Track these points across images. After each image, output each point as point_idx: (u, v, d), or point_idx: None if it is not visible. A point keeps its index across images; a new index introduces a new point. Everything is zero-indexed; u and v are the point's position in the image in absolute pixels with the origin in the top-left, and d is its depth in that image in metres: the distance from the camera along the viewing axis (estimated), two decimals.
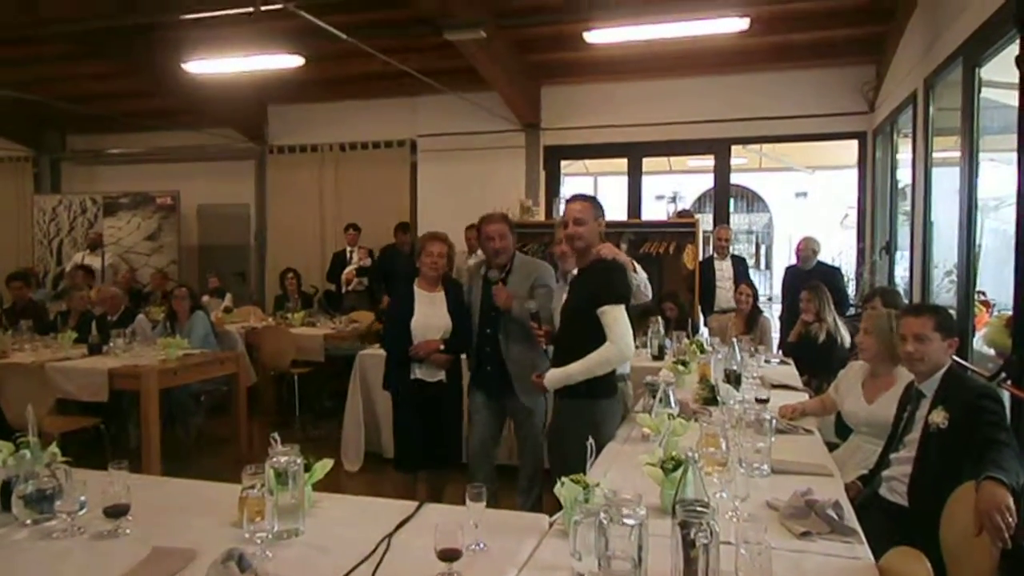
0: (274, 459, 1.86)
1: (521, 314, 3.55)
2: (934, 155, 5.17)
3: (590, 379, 2.90)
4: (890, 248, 6.76)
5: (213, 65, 6.85)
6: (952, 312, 3.91)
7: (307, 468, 1.99)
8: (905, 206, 6.36)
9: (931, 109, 5.13)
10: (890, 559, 1.71)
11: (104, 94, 9.08)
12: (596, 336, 2.86)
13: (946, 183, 5.00)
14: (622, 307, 2.89)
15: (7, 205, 10.88)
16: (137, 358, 4.94)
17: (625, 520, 1.48)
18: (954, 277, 4.84)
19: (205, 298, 7.52)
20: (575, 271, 3.17)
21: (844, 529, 1.92)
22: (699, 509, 1.49)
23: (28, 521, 1.91)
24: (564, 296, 3.21)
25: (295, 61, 6.78)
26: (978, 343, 4.29)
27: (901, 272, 6.44)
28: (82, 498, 1.88)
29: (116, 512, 1.87)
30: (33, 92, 8.52)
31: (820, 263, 6.65)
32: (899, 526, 2.39)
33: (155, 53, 7.34)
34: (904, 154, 6.35)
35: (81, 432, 4.85)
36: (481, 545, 1.77)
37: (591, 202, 3.04)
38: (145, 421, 4.64)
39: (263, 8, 5.27)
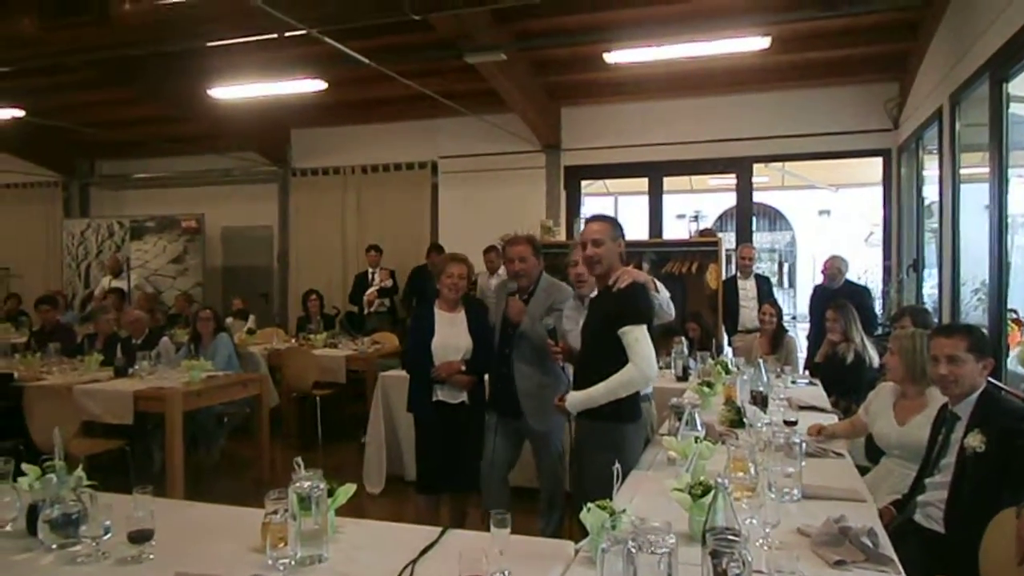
0: (297, 484, 1.85)
1: (532, 333, 3.53)
2: (961, 171, 5.10)
3: (615, 402, 2.84)
4: (917, 266, 6.65)
5: (237, 91, 6.97)
6: (984, 331, 3.83)
7: (330, 493, 1.98)
8: (932, 223, 6.27)
9: (957, 125, 5.07)
10: None
11: (131, 120, 9.27)
12: (618, 357, 2.79)
13: (974, 199, 4.92)
14: (644, 327, 2.82)
15: (38, 229, 11.12)
16: (162, 380, 4.97)
17: (654, 549, 1.45)
18: (982, 295, 4.75)
19: (229, 320, 7.58)
20: (594, 292, 3.14)
21: (880, 558, 1.86)
22: (730, 538, 1.46)
23: (54, 546, 1.91)
24: (581, 319, 3.18)
25: (318, 85, 6.89)
26: (1012, 363, 4.19)
27: (929, 290, 6.34)
28: (107, 523, 1.87)
29: (140, 537, 1.87)
30: (63, 119, 8.73)
31: (848, 282, 6.55)
32: (936, 554, 2.32)
33: (181, 79, 7.49)
34: (930, 171, 6.27)
35: (106, 454, 4.88)
36: (506, 574, 1.74)
37: (609, 222, 3.00)
38: (169, 443, 4.66)
39: (287, 34, 5.36)
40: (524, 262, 3.64)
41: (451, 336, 3.73)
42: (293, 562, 1.77)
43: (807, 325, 7.12)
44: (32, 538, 1.95)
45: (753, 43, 5.75)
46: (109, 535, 1.88)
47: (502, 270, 7.60)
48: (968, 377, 2.51)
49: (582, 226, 8.13)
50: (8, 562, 1.88)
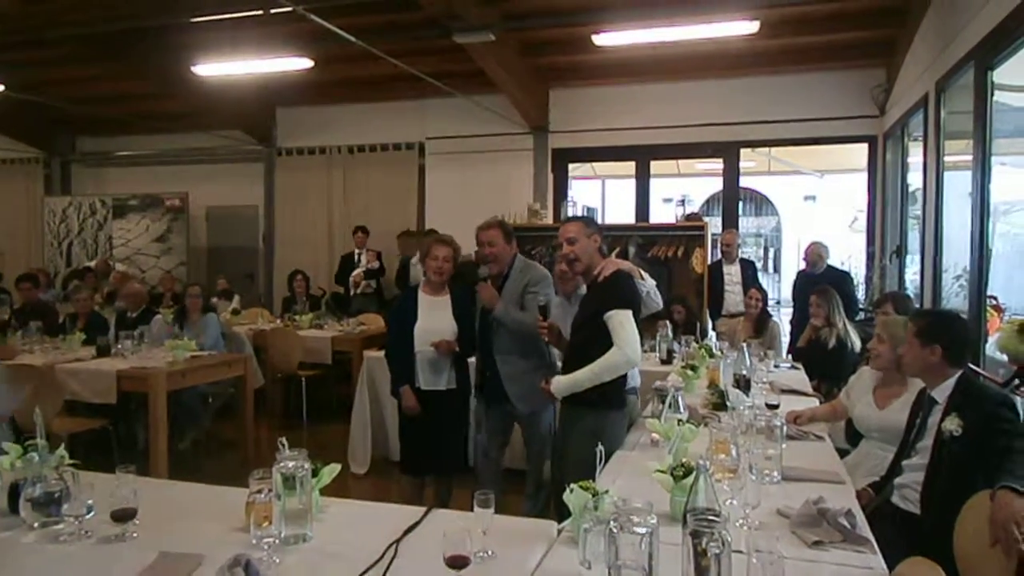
0: (282, 464, 1.85)
1: (507, 318, 3.54)
2: (945, 159, 5.13)
3: (600, 388, 2.88)
4: (900, 252, 6.71)
5: (222, 67, 6.88)
6: (964, 316, 3.88)
7: (315, 473, 1.98)
8: (915, 210, 6.32)
9: (942, 112, 5.10)
10: (905, 569, 1.69)
11: (113, 96, 9.13)
12: (605, 345, 2.85)
13: (957, 187, 4.96)
14: (629, 312, 2.88)
15: (18, 206, 10.96)
16: (145, 360, 4.94)
17: (635, 529, 1.46)
18: (964, 282, 4.81)
19: (214, 300, 7.53)
20: (583, 290, 3.19)
21: (857, 538, 1.90)
22: (710, 518, 1.47)
23: (36, 524, 1.91)
24: (566, 316, 3.22)
25: (304, 63, 6.80)
26: (990, 349, 4.25)
27: (911, 276, 6.40)
28: (89, 501, 1.87)
29: (123, 516, 1.87)
30: (43, 94, 8.59)
31: (830, 267, 6.61)
32: (912, 535, 2.37)
33: (164, 56, 7.38)
34: (915, 157, 6.31)
35: (89, 433, 4.85)
36: (489, 552, 1.76)
37: (582, 221, 3.17)
38: (153, 423, 4.65)
39: (272, 11, 5.29)
40: (493, 246, 3.63)
41: (435, 320, 3.71)
42: (277, 541, 1.78)
43: (791, 310, 7.18)
44: (14, 516, 1.95)
45: (741, 27, 5.74)
46: (92, 514, 1.87)
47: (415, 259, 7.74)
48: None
49: (571, 209, 8.19)
50: None
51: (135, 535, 1.87)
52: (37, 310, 6.39)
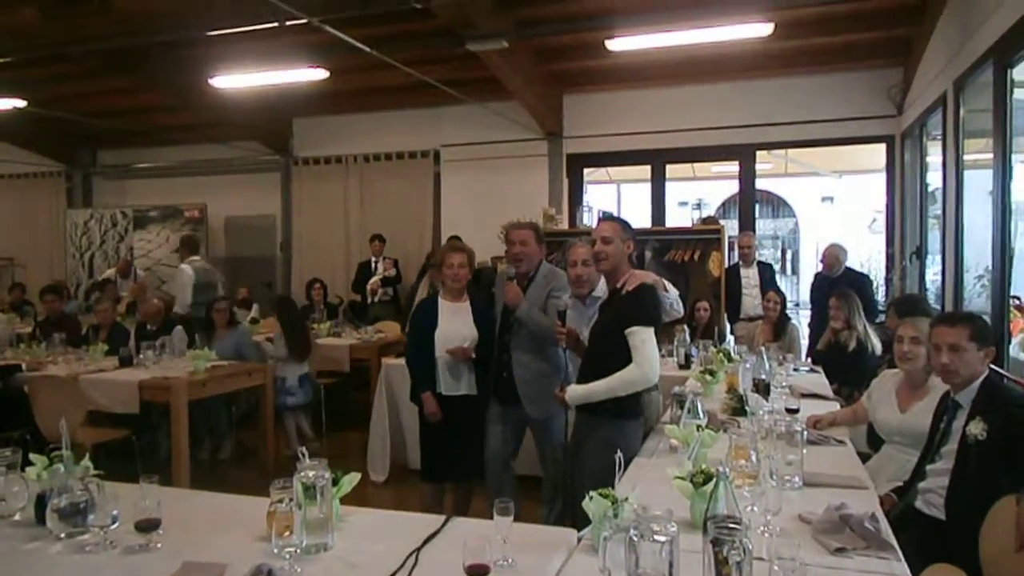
0: (302, 473, 1.87)
1: (529, 320, 3.54)
2: (965, 158, 5.07)
3: (615, 399, 2.87)
4: (920, 253, 6.64)
5: (239, 80, 6.96)
6: (986, 318, 3.83)
7: (335, 482, 2.00)
8: (935, 210, 6.25)
9: (961, 111, 5.04)
10: None
11: (132, 109, 9.25)
12: (622, 357, 2.83)
13: (977, 186, 4.90)
14: (651, 330, 2.85)
15: (42, 220, 11.13)
16: (166, 370, 5.00)
17: (656, 537, 1.46)
18: (986, 282, 4.74)
19: (234, 309, 7.59)
20: (603, 295, 3.17)
21: (881, 544, 1.87)
22: (731, 526, 1.47)
23: (62, 535, 1.93)
24: (581, 320, 3.21)
25: (319, 74, 6.86)
26: (1014, 350, 4.20)
27: (932, 277, 6.33)
28: (114, 512, 1.89)
29: (147, 526, 1.89)
30: (65, 109, 8.72)
31: (849, 269, 6.54)
32: (936, 541, 2.34)
33: (182, 69, 7.47)
34: (934, 157, 6.24)
35: (112, 443, 4.91)
36: (509, 561, 1.76)
37: (620, 223, 3.08)
38: (176, 433, 4.69)
39: (287, 23, 5.34)
40: (525, 245, 3.65)
41: (455, 326, 3.74)
42: (298, 550, 1.79)
43: (808, 313, 7.12)
44: (40, 527, 1.98)
45: (756, 29, 5.71)
46: (117, 524, 1.90)
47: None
48: (969, 366, 2.51)
49: (585, 215, 8.19)
50: (17, 551, 1.90)
51: (159, 545, 1.90)
52: (60, 322, 6.48)
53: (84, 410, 4.70)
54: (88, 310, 7.62)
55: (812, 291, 6.77)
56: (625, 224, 3.08)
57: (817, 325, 6.01)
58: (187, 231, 9.93)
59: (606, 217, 3.25)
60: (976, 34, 4.54)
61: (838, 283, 5.90)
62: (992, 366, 2.62)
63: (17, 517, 2.07)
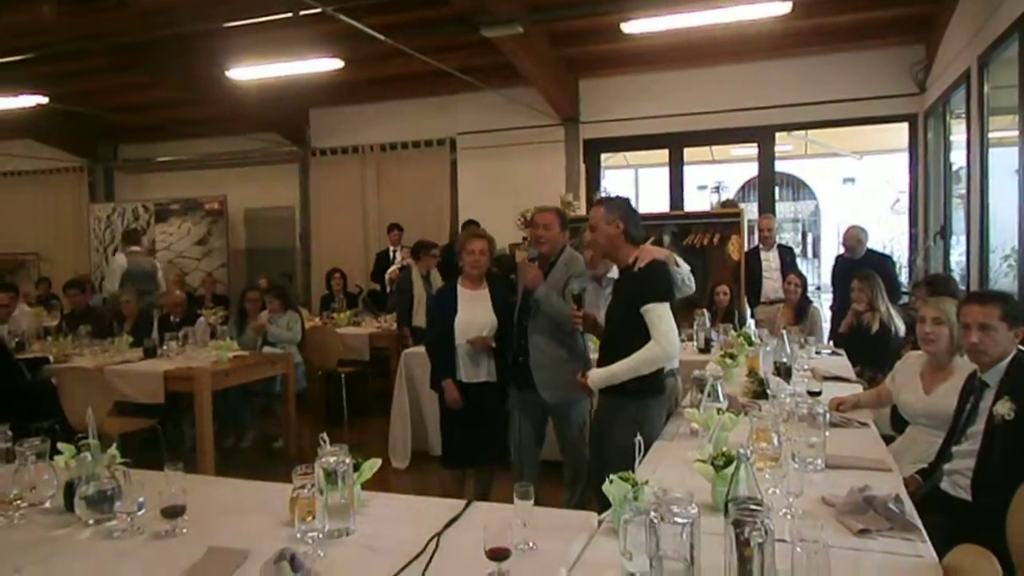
0: (323, 459, 1.88)
1: (547, 304, 3.53)
2: (990, 135, 4.98)
3: (638, 377, 2.86)
4: (945, 233, 6.54)
5: (255, 71, 6.99)
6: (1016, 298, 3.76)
7: (356, 468, 2.01)
8: (959, 189, 6.15)
9: (986, 87, 4.94)
10: (956, 557, 1.65)
11: (151, 104, 9.33)
12: (641, 336, 2.83)
13: (1003, 164, 4.81)
14: (666, 305, 2.85)
15: (65, 215, 11.30)
16: (190, 360, 5.06)
17: (676, 519, 1.45)
18: (1012, 262, 4.66)
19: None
20: (614, 274, 3.16)
21: (906, 525, 1.86)
22: (752, 507, 1.46)
23: (90, 521, 1.96)
24: (600, 300, 3.20)
25: (335, 64, 6.87)
26: None
27: (956, 257, 6.23)
28: (140, 499, 1.92)
29: (173, 513, 1.92)
30: (85, 104, 8.82)
31: (871, 251, 6.45)
32: (962, 522, 2.31)
33: (198, 62, 7.52)
34: (958, 135, 6.13)
35: (138, 432, 4.99)
36: (530, 544, 1.76)
37: (603, 206, 3.06)
38: (200, 422, 4.75)
39: (302, 13, 5.34)
40: (549, 229, 3.62)
41: (475, 313, 3.74)
42: (321, 535, 1.81)
43: (830, 296, 7.04)
44: (70, 514, 2.01)
45: (773, 8, 5.62)
46: (143, 511, 1.92)
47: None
48: (999, 345, 2.47)
49: None
50: (47, 537, 1.94)
51: (184, 531, 1.92)
52: (85, 315, 6.57)
53: (111, 400, 4.76)
54: (106, 302, 7.76)
55: (833, 274, 6.69)
56: (609, 205, 3.05)
57: (839, 308, 5.94)
58: (207, 223, 10.03)
59: (595, 203, 3.22)
60: (1000, 8, 4.44)
61: (860, 265, 5.82)
62: (1021, 346, 2.58)
63: (47, 504, 2.10)
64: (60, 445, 2.25)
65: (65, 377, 4.87)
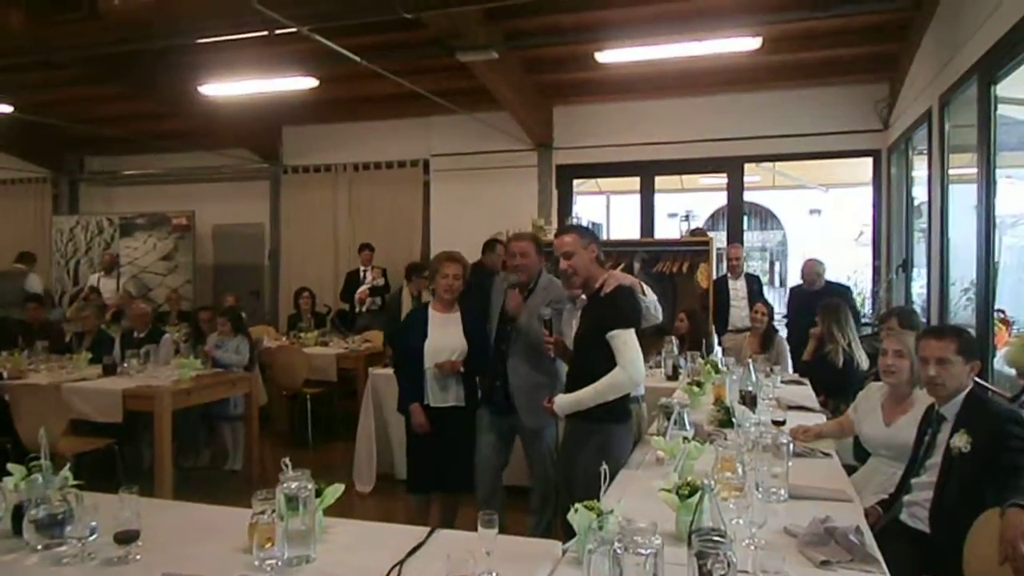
0: (285, 484, 1.85)
1: (529, 329, 3.54)
2: (950, 172, 5.12)
3: (604, 403, 2.87)
4: (907, 266, 6.69)
5: (228, 88, 6.95)
6: (971, 331, 3.85)
7: (318, 493, 1.98)
8: (921, 223, 6.30)
9: (946, 126, 5.09)
10: None
11: (120, 116, 9.19)
12: (608, 362, 2.84)
13: (962, 200, 4.95)
14: (631, 331, 2.87)
15: (27, 226, 11.02)
16: (151, 379, 4.95)
17: (640, 550, 1.45)
18: (971, 295, 4.78)
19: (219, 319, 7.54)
20: (583, 298, 3.17)
21: (865, 557, 1.87)
22: (716, 539, 1.46)
23: (39, 546, 1.90)
24: (575, 321, 3.21)
25: (309, 83, 6.86)
26: (998, 363, 4.22)
27: (918, 290, 6.37)
28: (93, 523, 1.86)
29: (126, 538, 1.86)
30: (51, 115, 8.66)
31: (829, 282, 6.61)
32: (921, 553, 2.34)
33: (171, 76, 7.44)
34: (920, 171, 6.30)
35: (94, 452, 4.85)
36: (494, 574, 1.74)
37: (576, 232, 3.12)
38: (159, 441, 4.64)
39: (277, 32, 5.33)
40: (525, 256, 3.66)
41: (444, 337, 3.72)
42: (280, 563, 1.77)
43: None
44: (17, 538, 1.95)
45: (744, 43, 5.76)
46: (95, 536, 1.87)
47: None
48: (955, 379, 2.53)
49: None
50: None
51: (138, 557, 1.87)
52: (43, 329, 6.41)
53: (66, 419, 4.64)
54: (67, 320, 7.54)
55: (789, 305, 6.82)
56: (582, 230, 3.13)
57: (795, 338, 6.01)
58: (174, 239, 9.88)
59: (563, 230, 3.25)
60: (961, 50, 4.59)
61: (816, 297, 5.95)
62: (976, 379, 2.63)
63: None
64: (10, 466, 2.18)
65: (19, 394, 4.73)
